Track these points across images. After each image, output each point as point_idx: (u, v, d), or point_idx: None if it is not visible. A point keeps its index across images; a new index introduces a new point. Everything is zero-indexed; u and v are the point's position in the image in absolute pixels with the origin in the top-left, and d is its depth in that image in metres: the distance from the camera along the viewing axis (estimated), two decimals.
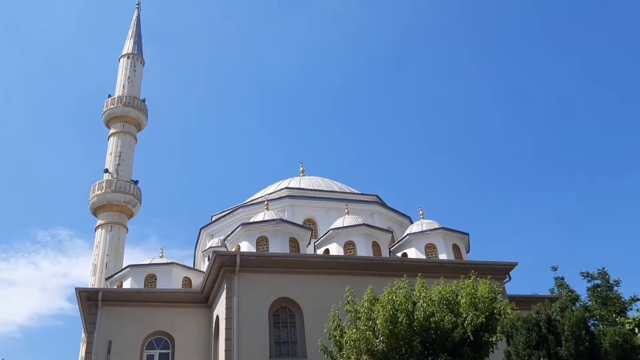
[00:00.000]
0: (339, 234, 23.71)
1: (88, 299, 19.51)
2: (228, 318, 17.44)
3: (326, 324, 15.66)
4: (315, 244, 24.66)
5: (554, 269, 26.22)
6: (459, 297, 14.57)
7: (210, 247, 26.40)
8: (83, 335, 27.76)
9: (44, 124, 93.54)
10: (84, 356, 19.58)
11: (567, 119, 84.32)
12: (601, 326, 19.66)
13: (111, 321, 19.18)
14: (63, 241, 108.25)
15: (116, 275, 24.15)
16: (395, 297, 14.15)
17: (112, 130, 38.95)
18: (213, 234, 29.03)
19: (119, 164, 37.19)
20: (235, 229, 23.19)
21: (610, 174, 78.45)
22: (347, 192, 30.68)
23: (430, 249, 23.94)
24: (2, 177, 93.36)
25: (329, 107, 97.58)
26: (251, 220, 23.81)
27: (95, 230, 35.81)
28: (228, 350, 16.84)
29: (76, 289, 19.38)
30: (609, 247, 72.71)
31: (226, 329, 17.28)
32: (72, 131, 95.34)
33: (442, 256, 23.37)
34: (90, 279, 33.19)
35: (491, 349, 14.27)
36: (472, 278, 15.07)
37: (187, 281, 23.60)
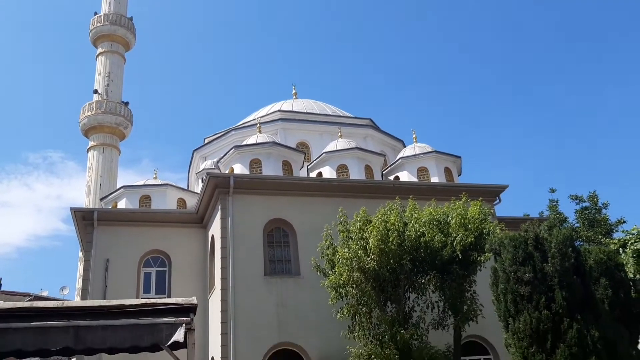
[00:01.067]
0: (332, 157, 23.78)
1: (83, 218, 19.73)
2: (223, 238, 17.78)
3: (319, 243, 16.05)
4: (308, 167, 24.77)
5: (552, 190, 26.63)
6: (449, 218, 14.90)
7: (203, 169, 26.46)
8: (80, 254, 28.33)
9: (30, 43, 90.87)
10: (82, 274, 20.04)
11: (562, 33, 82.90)
12: (587, 246, 20.27)
13: (107, 240, 19.50)
14: (55, 163, 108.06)
15: (110, 196, 24.32)
16: (388, 217, 14.46)
17: (99, 50, 37.96)
18: (206, 156, 29.02)
19: (108, 84, 36.54)
20: (228, 152, 23.18)
21: (605, 94, 78.20)
22: (340, 116, 30.47)
23: (422, 172, 24.14)
24: None
25: (323, 27, 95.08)
26: (244, 143, 23.76)
27: (87, 151, 35.70)
28: (224, 268, 17.28)
29: (71, 208, 19.56)
30: (599, 171, 73.74)
31: (221, 248, 17.65)
32: (60, 50, 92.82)
33: (434, 179, 23.61)
34: (84, 200, 33.46)
35: (479, 267, 14.77)
36: (462, 200, 15.35)
37: (181, 202, 23.83)
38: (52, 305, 5.92)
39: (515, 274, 11.04)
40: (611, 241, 16.75)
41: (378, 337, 14.40)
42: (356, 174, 23.21)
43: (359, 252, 14.22)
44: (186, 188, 27.81)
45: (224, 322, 16.53)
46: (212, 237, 19.39)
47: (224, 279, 17.14)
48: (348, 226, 15.41)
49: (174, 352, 6.57)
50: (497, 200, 21.35)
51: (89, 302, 6.89)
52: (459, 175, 25.40)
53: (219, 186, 18.44)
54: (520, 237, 11.47)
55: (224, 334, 16.40)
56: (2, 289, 45.44)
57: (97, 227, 19.54)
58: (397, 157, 25.46)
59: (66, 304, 6.22)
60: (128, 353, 6.67)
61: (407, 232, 14.34)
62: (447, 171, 24.43)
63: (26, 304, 5.82)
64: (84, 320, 5.72)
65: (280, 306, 17.16)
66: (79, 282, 28.58)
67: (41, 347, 5.72)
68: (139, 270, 19.58)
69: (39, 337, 5.52)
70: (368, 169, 23.94)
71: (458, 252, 14.00)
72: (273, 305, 17.12)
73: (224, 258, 17.44)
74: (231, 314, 16.58)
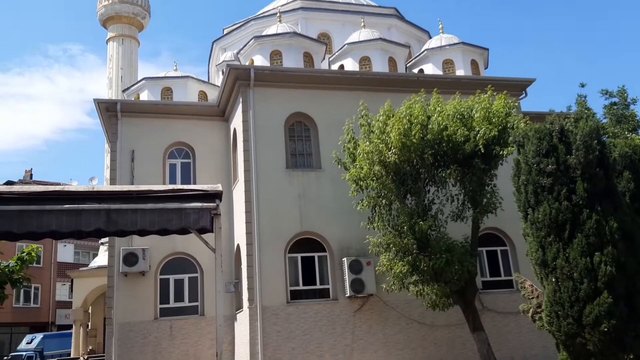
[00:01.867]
0: (354, 49, 23.15)
1: (107, 110, 19.89)
2: (245, 131, 17.87)
3: (340, 137, 16.07)
4: (330, 59, 24.23)
5: (582, 85, 25.84)
6: (474, 112, 14.66)
7: (223, 61, 26.08)
8: (106, 146, 28.93)
9: None
10: (109, 165, 20.55)
11: None
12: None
13: (132, 131, 19.76)
14: (75, 56, 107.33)
15: (132, 88, 24.32)
16: (412, 111, 14.28)
17: None
18: (226, 47, 28.47)
19: None
20: (248, 42, 22.68)
21: None
22: (363, 5, 29.26)
23: (448, 64, 23.49)
24: None
25: None
26: (264, 34, 23.16)
27: (107, 43, 35.27)
28: (247, 161, 17.54)
29: (94, 100, 19.67)
30: (631, 68, 70.82)
31: (244, 140, 17.80)
32: None
33: (460, 72, 23.02)
34: (106, 92, 33.58)
35: (501, 161, 14.76)
36: (488, 93, 15.01)
37: (202, 95, 23.78)
38: (83, 189, 6.14)
39: (537, 165, 10.99)
40: (637, 136, 16.43)
41: (397, 227, 14.77)
42: (379, 66, 22.69)
43: (381, 145, 14.23)
44: (207, 81, 27.61)
45: (248, 212, 17.07)
46: (234, 130, 19.51)
47: (246, 171, 17.46)
48: (370, 120, 15.31)
49: (201, 235, 6.85)
50: (524, 95, 20.86)
51: (118, 187, 7.13)
52: (485, 69, 24.69)
53: (240, 78, 18.24)
54: (545, 129, 11.28)
55: (248, 222, 17.00)
56: (33, 179, 47.24)
57: (121, 119, 19.73)
58: (422, 49, 24.70)
59: (97, 188, 6.44)
60: (158, 235, 6.97)
61: (430, 126, 14.21)
62: (474, 64, 23.72)
63: (59, 187, 6.04)
64: (114, 204, 5.93)
65: (302, 198, 17.56)
66: (106, 173, 29.46)
67: (75, 228, 5.98)
68: (164, 162, 19.99)
69: (73, 218, 5.77)
70: (392, 61, 23.35)
71: (480, 146, 13.92)
72: (295, 196, 17.52)
73: (246, 151, 17.65)
74: (254, 204, 17.07)
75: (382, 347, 16.72)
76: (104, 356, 19.22)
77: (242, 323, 17.21)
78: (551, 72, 75.36)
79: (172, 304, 18.76)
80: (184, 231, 6.72)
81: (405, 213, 14.36)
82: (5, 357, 34.18)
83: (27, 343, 34.95)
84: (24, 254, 18.00)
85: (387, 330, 16.92)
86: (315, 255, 17.52)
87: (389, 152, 14.14)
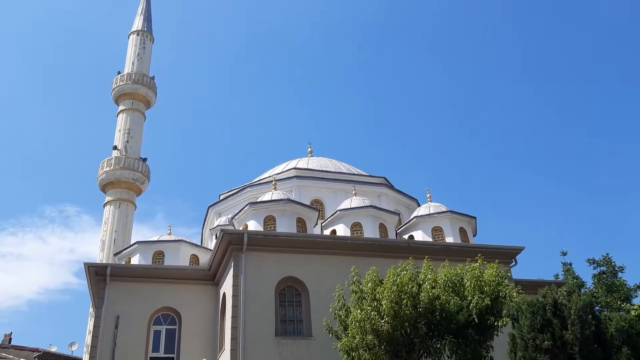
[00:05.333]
0: (346, 215, 23.74)
1: (97, 274, 19.71)
2: (235, 296, 17.59)
3: (332, 303, 15.79)
4: (322, 224, 24.72)
5: (564, 254, 26.28)
6: (465, 280, 14.62)
7: (217, 226, 26.54)
8: (91, 309, 28.11)
9: (52, 100, 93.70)
10: (92, 330, 19.81)
11: (580, 101, 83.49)
12: (606, 312, 19.67)
13: (119, 296, 19.39)
14: (70, 217, 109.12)
15: (124, 252, 24.36)
16: (400, 279, 14.23)
17: (121, 107, 38.98)
18: (221, 212, 29.15)
19: (127, 141, 37.28)
20: (243, 208, 23.27)
21: (621, 159, 77.87)
22: (354, 174, 30.64)
23: (437, 232, 23.94)
24: (10, 152, 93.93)
25: (338, 88, 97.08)
26: (259, 200, 23.88)
27: (104, 206, 36.05)
28: (234, 328, 17.01)
29: (85, 264, 19.57)
30: (615, 234, 72.46)
31: (233, 306, 17.44)
32: (81, 108, 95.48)
33: (449, 239, 23.37)
34: (98, 255, 33.50)
35: (496, 332, 14.35)
36: (478, 261, 15.10)
37: (194, 259, 23.77)
38: None
39: (533, 341, 10.72)
40: (631, 307, 16.25)
41: None
42: (370, 232, 23.09)
43: (372, 313, 13.94)
44: (200, 244, 27.78)
45: None
46: (224, 294, 19.20)
47: (234, 339, 16.85)
48: (361, 286, 15.18)
49: None
50: (514, 263, 21.01)
51: None
52: (474, 236, 25.15)
53: (233, 243, 18.42)
54: (538, 302, 11.19)
55: None
56: (12, 343, 44.99)
57: (109, 283, 19.48)
58: (412, 216, 25.35)
59: None
60: None
61: (422, 294, 14.06)
62: (462, 231, 24.21)
63: None
64: None
65: None
66: (88, 339, 28.21)
67: None
68: (149, 328, 19.34)
69: None
70: (382, 228, 23.82)
71: (474, 316, 13.65)
72: None
73: (234, 317, 17.20)
74: None
75: None
76: None
77: None
78: (541, 239, 76.96)
79: None
80: None
81: None
82: None
83: None
84: None
85: None
86: None
87: (382, 321, 13.81)
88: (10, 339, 46.23)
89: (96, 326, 18.93)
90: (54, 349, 33.75)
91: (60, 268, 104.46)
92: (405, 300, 13.70)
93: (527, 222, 78.07)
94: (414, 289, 14.16)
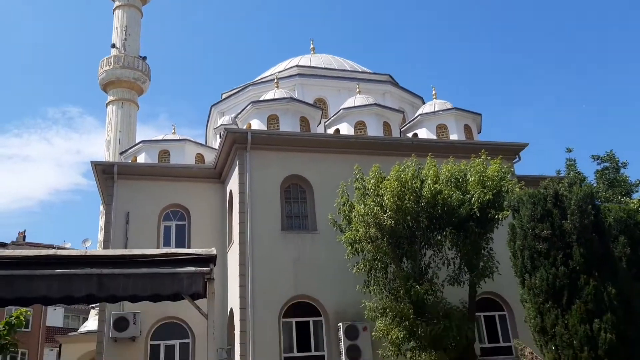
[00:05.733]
0: (349, 114, 23.58)
1: (104, 172, 19.99)
2: (241, 193, 17.93)
3: (336, 199, 16.13)
4: (326, 123, 24.63)
5: (569, 150, 26.39)
6: (468, 176, 14.81)
7: (221, 125, 26.48)
8: (101, 207, 28.84)
9: None
10: (103, 227, 20.44)
11: None
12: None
13: (128, 194, 19.79)
14: (73, 118, 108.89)
15: (130, 150, 24.54)
16: (403, 175, 14.41)
17: (116, 3, 37.61)
18: (224, 111, 28.98)
19: (125, 38, 36.36)
20: (246, 107, 23.11)
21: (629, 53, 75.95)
22: (358, 72, 30.04)
23: (441, 129, 23.87)
24: (10, 54, 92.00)
25: None
26: (261, 99, 23.64)
27: (107, 106, 35.89)
28: (242, 223, 17.50)
29: (92, 162, 19.80)
30: (619, 130, 72.28)
31: (239, 203, 17.83)
32: (78, 5, 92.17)
33: (454, 137, 23.36)
34: (104, 155, 33.85)
35: (496, 225, 14.76)
36: (482, 157, 15.21)
37: (199, 157, 23.98)
38: (75, 254, 6.08)
39: (533, 230, 11.02)
40: (630, 201, 16.56)
41: (393, 291, 14.59)
42: (374, 130, 23.04)
43: (375, 208, 14.26)
44: (204, 144, 27.91)
45: (242, 275, 16.86)
46: (230, 192, 19.57)
47: (242, 233, 17.38)
48: (364, 183, 15.42)
49: (194, 301, 6.73)
50: (517, 159, 21.13)
51: (111, 251, 7.05)
52: (478, 133, 25.10)
53: (237, 142, 18.48)
54: (539, 194, 11.39)
55: (242, 286, 16.75)
56: (26, 240, 46.70)
57: (117, 181, 19.80)
58: (416, 114, 25.18)
59: (89, 252, 6.37)
60: (150, 301, 6.85)
61: (424, 190, 14.30)
62: (467, 129, 24.13)
63: (50, 251, 5.99)
64: (106, 269, 5.85)
65: (297, 261, 17.41)
66: (100, 235, 29.20)
67: (65, 294, 5.88)
68: (159, 224, 19.92)
69: (64, 284, 5.68)
70: (386, 126, 23.74)
71: (475, 210, 13.98)
72: (290, 259, 17.37)
73: (242, 213, 17.64)
74: (249, 268, 16.89)
75: None
76: None
77: None
78: (544, 135, 76.96)
79: None
80: (176, 297, 6.60)
81: (402, 276, 14.21)
82: None
83: None
84: (12, 318, 17.59)
85: None
86: (310, 320, 17.18)
87: (384, 215, 14.16)
88: (25, 236, 47.98)
89: (107, 222, 19.49)
90: (67, 245, 35.07)
91: (69, 169, 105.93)
92: (407, 195, 13.97)
93: (532, 119, 77.73)
94: (417, 184, 14.40)
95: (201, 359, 17.98)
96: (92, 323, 27.86)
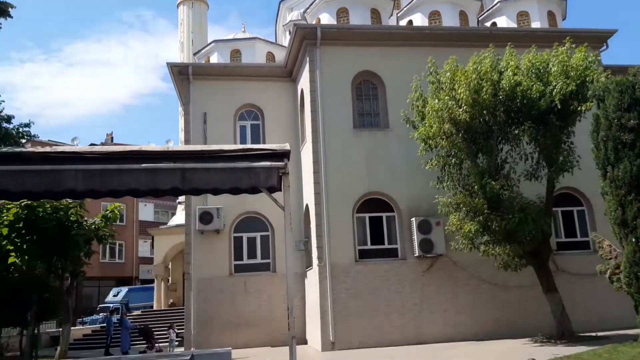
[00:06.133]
0: (423, 3, 22.45)
1: (179, 73, 20.46)
2: (312, 91, 17.91)
3: (408, 95, 15.79)
4: (398, 14, 23.64)
5: None
6: (550, 66, 13.97)
7: (290, 21, 26.04)
8: (180, 109, 29.88)
9: None
10: (183, 127, 21.27)
11: None
12: None
13: (204, 94, 20.28)
14: (147, 22, 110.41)
15: (202, 51, 24.85)
16: (481, 66, 13.80)
17: None
18: (292, 6, 28.35)
19: None
20: (314, 1, 22.46)
21: None
22: None
23: (522, 17, 22.34)
24: None
25: None
26: None
27: (177, 7, 36.00)
28: (314, 121, 17.63)
29: (168, 63, 20.28)
30: None
31: (311, 101, 17.86)
32: None
33: (535, 24, 21.86)
34: (178, 56, 34.48)
35: (579, 117, 14.06)
36: (566, 46, 14.22)
37: (270, 56, 23.95)
38: (159, 149, 6.45)
39: (618, 120, 10.41)
40: None
41: (467, 187, 14.53)
42: (450, 20, 21.93)
43: (450, 103, 13.88)
44: (274, 41, 27.70)
45: (316, 172, 17.26)
46: (302, 90, 19.59)
47: (314, 131, 17.57)
48: (439, 77, 14.93)
49: (271, 194, 7.04)
50: (604, 47, 19.58)
51: (191, 147, 7.42)
52: (563, 20, 23.31)
53: (306, 38, 18.18)
54: (627, 82, 10.62)
55: (317, 183, 17.20)
56: (114, 142, 49.64)
57: (193, 82, 20.26)
58: (495, 1, 23.56)
59: (171, 148, 6.74)
60: (229, 194, 7.23)
61: (502, 82, 13.69)
62: (550, 15, 22.44)
63: (137, 147, 6.37)
64: (188, 163, 6.18)
65: (370, 157, 17.53)
66: (181, 135, 30.52)
67: (152, 186, 6.31)
68: (235, 124, 20.47)
69: (150, 177, 6.08)
70: (463, 15, 22.49)
71: (557, 102, 13.30)
72: (362, 157, 17.51)
73: (313, 111, 17.72)
74: (322, 165, 17.22)
75: (451, 306, 16.70)
76: (183, 309, 20.34)
77: (312, 280, 17.66)
78: (634, 21, 69.96)
79: (246, 260, 19.49)
80: (254, 190, 6.91)
81: (476, 172, 14.06)
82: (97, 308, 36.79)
83: (114, 296, 37.49)
84: (108, 212, 19.24)
85: (457, 290, 16.86)
86: (383, 215, 17.55)
87: (459, 110, 13.79)
88: (112, 137, 51.03)
89: (186, 123, 20.24)
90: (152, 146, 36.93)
91: (148, 73, 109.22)
92: (485, 88, 13.45)
93: (622, 4, 70.67)
94: (495, 76, 13.78)
95: (280, 250, 19.06)
96: (179, 217, 29.97)
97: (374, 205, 17.54)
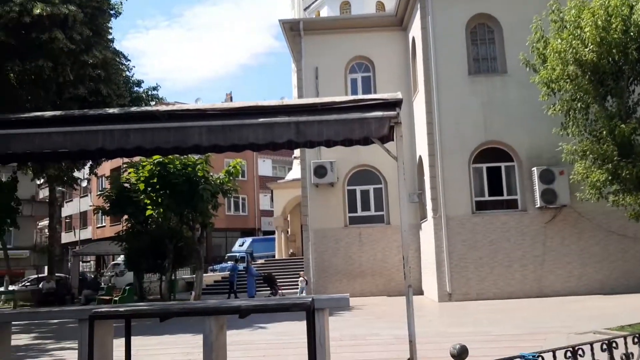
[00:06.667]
0: None
1: (291, 29, 20.79)
2: (424, 38, 17.41)
3: (528, 37, 14.84)
4: None
5: None
6: None
7: None
8: (293, 65, 30.43)
9: None
10: (296, 84, 21.74)
11: None
12: None
13: (315, 49, 20.50)
14: None
15: (312, 6, 24.97)
16: (609, 1, 12.57)
17: None
18: None
19: None
20: None
21: None
22: None
23: None
24: None
25: None
26: None
27: None
28: (426, 70, 17.20)
29: (279, 20, 20.69)
30: None
31: (423, 49, 17.40)
32: None
33: None
34: (289, 13, 34.86)
35: None
36: None
37: (380, 6, 23.53)
38: (274, 104, 6.71)
39: None
40: None
41: (595, 133, 13.52)
42: None
43: (575, 42, 12.85)
44: None
45: (430, 123, 16.95)
46: (413, 38, 19.10)
47: (427, 80, 17.17)
48: (562, 15, 13.82)
49: (383, 145, 7.08)
50: None
51: (304, 100, 7.62)
52: None
53: None
54: None
55: (430, 133, 16.92)
56: (232, 101, 51.87)
57: (304, 37, 20.53)
58: None
59: (285, 102, 6.98)
60: (342, 146, 7.38)
61: (634, 16, 12.39)
62: None
63: (253, 103, 6.67)
64: (302, 117, 6.38)
65: (486, 105, 16.86)
66: (294, 92, 31.19)
67: (270, 140, 6.61)
68: (346, 77, 20.56)
69: (267, 131, 6.37)
70: None
71: None
72: (478, 104, 16.88)
73: (426, 59, 17.27)
74: (436, 114, 16.86)
75: (576, 259, 15.95)
76: (302, 259, 21.31)
77: (427, 232, 17.63)
78: None
79: (360, 212, 19.86)
80: (366, 141, 6.99)
81: (605, 116, 13.01)
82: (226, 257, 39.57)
83: (240, 245, 40.02)
84: (231, 167, 20.46)
85: (583, 242, 16.03)
86: (502, 165, 16.94)
87: (585, 50, 12.74)
88: (231, 97, 53.36)
89: (299, 79, 20.67)
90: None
91: (262, 32, 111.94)
92: (614, 25, 12.28)
93: None
94: (625, 11, 12.51)
95: (394, 202, 19.16)
96: (295, 172, 31.02)
97: (491, 155, 16.97)
